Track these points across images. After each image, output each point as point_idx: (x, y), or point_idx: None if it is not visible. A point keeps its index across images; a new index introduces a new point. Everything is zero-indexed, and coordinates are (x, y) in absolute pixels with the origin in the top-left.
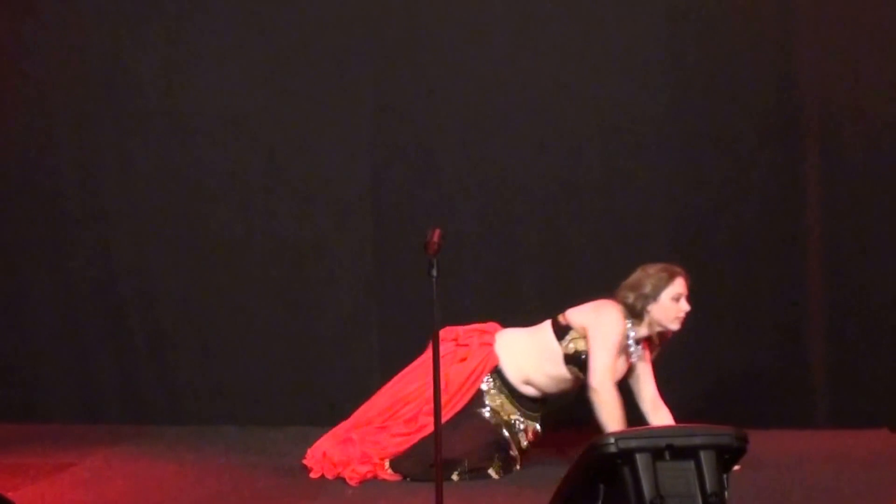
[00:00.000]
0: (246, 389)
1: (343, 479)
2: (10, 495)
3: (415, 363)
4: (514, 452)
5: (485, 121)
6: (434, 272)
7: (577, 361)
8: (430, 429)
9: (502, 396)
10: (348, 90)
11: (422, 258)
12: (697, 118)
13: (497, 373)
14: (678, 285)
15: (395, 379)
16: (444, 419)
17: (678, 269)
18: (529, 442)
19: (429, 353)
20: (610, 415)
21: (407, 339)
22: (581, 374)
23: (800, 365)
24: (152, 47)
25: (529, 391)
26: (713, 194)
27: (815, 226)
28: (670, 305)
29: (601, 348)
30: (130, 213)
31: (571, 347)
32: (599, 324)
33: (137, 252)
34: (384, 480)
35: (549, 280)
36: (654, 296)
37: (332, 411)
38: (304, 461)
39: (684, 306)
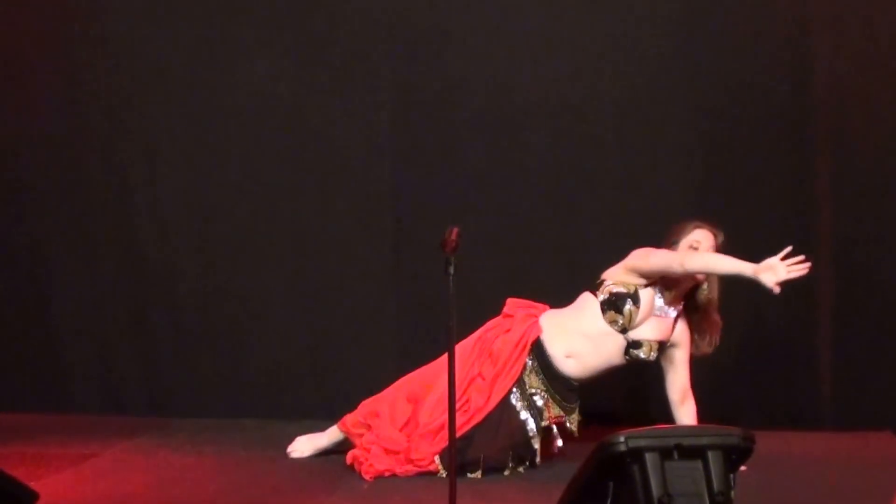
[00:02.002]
0: (265, 383)
1: (359, 474)
2: (32, 484)
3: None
4: (535, 445)
5: (504, 120)
6: (451, 270)
7: (615, 304)
8: (480, 417)
9: (539, 378)
10: (369, 88)
11: (439, 256)
12: (710, 120)
13: (538, 346)
14: (697, 234)
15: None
16: (499, 395)
17: (704, 224)
18: (551, 421)
19: (468, 340)
20: (707, 260)
21: (423, 336)
22: (619, 319)
23: (807, 368)
24: (180, 44)
25: (570, 367)
26: (725, 196)
27: (825, 228)
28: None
29: (651, 254)
30: (155, 208)
31: (607, 292)
32: (635, 253)
33: (161, 246)
34: (399, 476)
35: (566, 279)
36: (675, 243)
37: (349, 406)
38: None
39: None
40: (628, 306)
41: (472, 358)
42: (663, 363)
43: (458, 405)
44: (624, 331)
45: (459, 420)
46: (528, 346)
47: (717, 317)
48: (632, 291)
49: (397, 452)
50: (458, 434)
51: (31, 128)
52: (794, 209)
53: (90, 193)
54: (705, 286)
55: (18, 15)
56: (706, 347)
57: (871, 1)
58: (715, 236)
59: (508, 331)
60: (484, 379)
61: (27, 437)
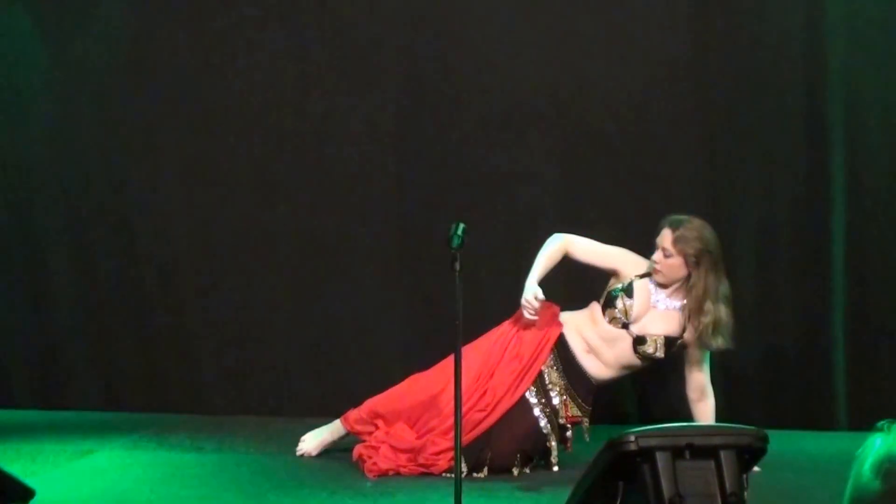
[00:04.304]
0: (266, 380)
1: (362, 472)
2: (29, 481)
3: (473, 345)
4: (550, 444)
5: (510, 115)
6: (457, 266)
7: (611, 302)
8: (497, 416)
9: (559, 374)
10: (373, 84)
11: (445, 252)
12: (723, 119)
13: (561, 342)
14: (660, 237)
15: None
16: (521, 390)
17: (669, 220)
18: (568, 420)
19: (487, 336)
20: (542, 251)
21: (429, 333)
22: (617, 314)
23: (821, 367)
24: (178, 37)
25: (591, 364)
26: (737, 197)
27: (839, 227)
28: (654, 254)
29: None
30: (154, 203)
31: (604, 293)
32: None
33: (161, 242)
34: (403, 475)
35: (573, 275)
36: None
37: (351, 404)
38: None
39: (655, 257)
40: (622, 300)
41: (493, 356)
42: (684, 359)
43: (476, 402)
44: (626, 326)
45: (478, 417)
46: (551, 344)
47: (708, 306)
48: (625, 285)
49: (407, 451)
50: (477, 433)
51: (31, 127)
52: (807, 209)
53: (90, 189)
54: (694, 276)
55: (17, 12)
56: (710, 341)
57: (885, 5)
58: (673, 230)
59: (530, 328)
60: (504, 377)
61: (24, 433)
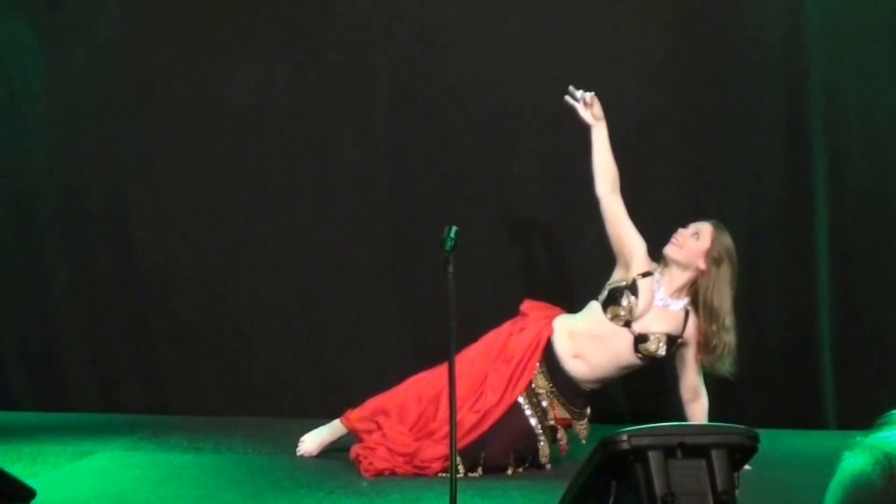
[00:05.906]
0: (263, 381)
1: (358, 472)
2: (30, 482)
3: (469, 349)
4: (540, 445)
5: (500, 121)
6: (450, 268)
7: (614, 299)
8: (492, 420)
9: (545, 379)
10: (367, 88)
11: (438, 255)
12: (707, 125)
13: (548, 347)
14: (701, 222)
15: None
16: (513, 395)
17: (715, 222)
18: (557, 422)
19: (482, 340)
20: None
21: (423, 335)
22: (621, 311)
23: (809, 367)
24: (175, 45)
25: (578, 368)
26: (722, 200)
27: (824, 230)
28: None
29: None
30: (152, 206)
31: (607, 290)
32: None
33: (158, 244)
34: (399, 475)
35: (565, 278)
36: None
37: (347, 404)
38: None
39: (682, 231)
40: (627, 298)
41: (487, 358)
42: (676, 363)
43: (472, 406)
44: (628, 324)
45: (474, 420)
46: (541, 347)
47: (728, 323)
48: (629, 283)
49: (404, 454)
50: (474, 436)
51: (31, 133)
52: (792, 216)
53: (89, 192)
54: (707, 278)
55: (18, 23)
56: (718, 361)
57: (866, 8)
58: (715, 227)
59: (522, 330)
60: (497, 379)
61: (24, 434)
